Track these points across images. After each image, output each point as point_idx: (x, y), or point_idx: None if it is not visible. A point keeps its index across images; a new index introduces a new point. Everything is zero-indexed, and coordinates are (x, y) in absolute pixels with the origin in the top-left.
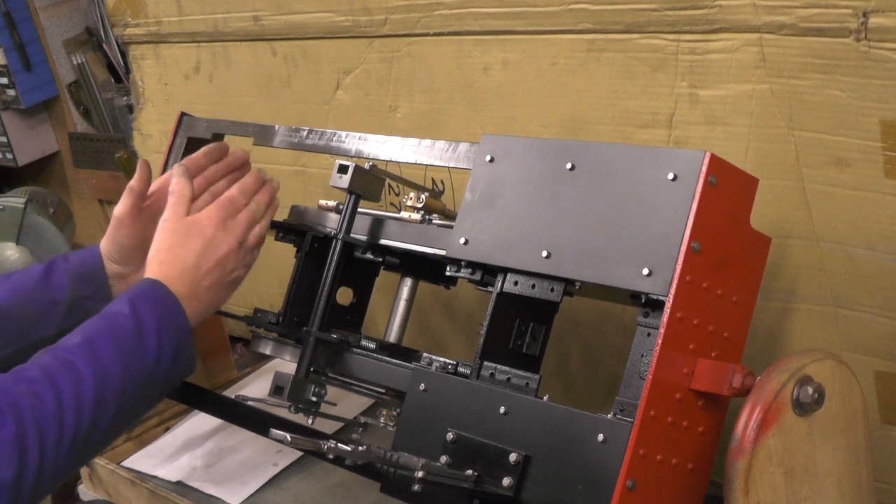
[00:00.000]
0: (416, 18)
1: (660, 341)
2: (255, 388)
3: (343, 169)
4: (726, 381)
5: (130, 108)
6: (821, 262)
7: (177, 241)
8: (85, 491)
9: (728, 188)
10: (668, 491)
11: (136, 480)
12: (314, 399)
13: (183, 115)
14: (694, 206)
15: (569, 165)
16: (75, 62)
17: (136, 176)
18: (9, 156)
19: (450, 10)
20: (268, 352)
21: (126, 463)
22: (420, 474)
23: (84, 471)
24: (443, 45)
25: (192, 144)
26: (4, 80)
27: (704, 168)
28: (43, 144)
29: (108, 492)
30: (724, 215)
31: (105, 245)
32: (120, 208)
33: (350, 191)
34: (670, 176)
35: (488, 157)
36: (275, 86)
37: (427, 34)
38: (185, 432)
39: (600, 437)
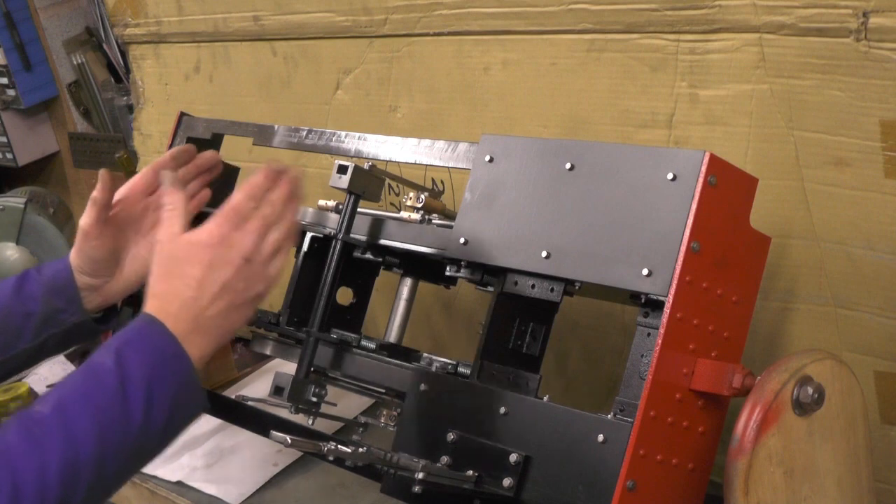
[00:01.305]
0: (416, 18)
1: (660, 341)
2: (255, 388)
3: (342, 169)
4: (726, 381)
5: (130, 108)
6: (821, 262)
7: (173, 268)
8: None
9: (728, 188)
10: (668, 491)
11: (136, 480)
12: (314, 399)
13: (182, 115)
14: (693, 206)
15: (568, 165)
16: (75, 62)
17: (98, 186)
18: (9, 156)
19: (450, 10)
20: (268, 352)
21: None
22: (420, 475)
23: None
24: (443, 46)
25: (192, 144)
26: (4, 80)
27: (704, 168)
28: (43, 144)
29: None
30: (723, 215)
31: (74, 258)
32: (85, 220)
33: (349, 191)
34: (670, 176)
35: (488, 157)
36: (275, 86)
37: (427, 34)
38: (185, 432)
39: (600, 437)
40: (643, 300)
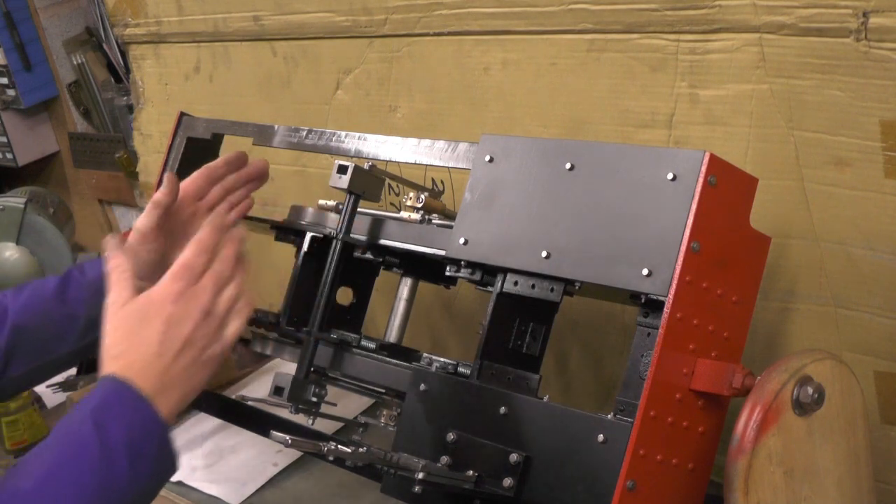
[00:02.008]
0: (415, 18)
1: (660, 341)
2: (255, 388)
3: (342, 169)
4: (726, 381)
5: (130, 108)
6: (821, 262)
7: (132, 327)
8: None
9: (728, 188)
10: (668, 491)
11: None
12: (314, 399)
13: (182, 115)
14: (693, 206)
15: (568, 165)
16: (75, 62)
17: (162, 189)
18: (9, 156)
19: (450, 10)
20: (268, 352)
21: None
22: (420, 475)
23: None
24: (443, 45)
25: (192, 144)
26: (4, 80)
27: (704, 168)
28: (43, 144)
29: None
30: (723, 215)
31: None
32: (144, 222)
33: (349, 191)
34: (670, 176)
35: (488, 157)
36: (275, 86)
37: (427, 34)
38: (185, 432)
39: (600, 437)
40: (643, 300)
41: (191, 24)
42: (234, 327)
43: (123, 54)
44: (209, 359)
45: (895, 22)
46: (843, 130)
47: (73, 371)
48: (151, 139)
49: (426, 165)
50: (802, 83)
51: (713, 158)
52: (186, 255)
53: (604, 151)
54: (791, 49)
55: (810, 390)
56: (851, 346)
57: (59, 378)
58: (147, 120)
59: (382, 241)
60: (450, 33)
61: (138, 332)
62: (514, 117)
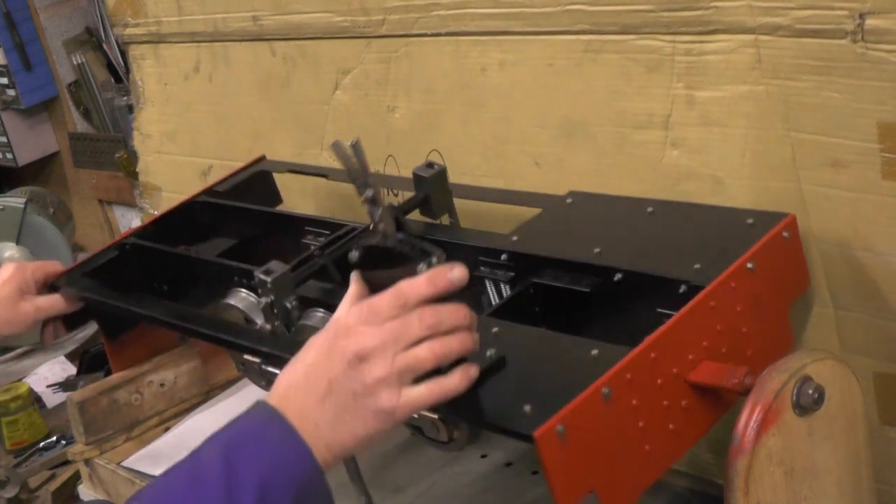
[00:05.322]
0: (413, 19)
1: (683, 312)
2: (255, 387)
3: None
4: (727, 377)
5: (130, 108)
6: (819, 264)
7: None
8: (85, 491)
9: (787, 262)
10: (610, 443)
11: (136, 480)
12: None
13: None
14: (764, 239)
15: (650, 209)
16: (75, 62)
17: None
18: (9, 156)
19: (447, 10)
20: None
21: (126, 463)
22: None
23: (84, 471)
24: (440, 46)
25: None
26: (4, 80)
27: (783, 222)
28: (43, 144)
29: (108, 492)
30: (777, 275)
31: None
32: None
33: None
34: (750, 221)
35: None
36: (274, 86)
37: (425, 35)
38: (185, 432)
39: (594, 351)
40: (682, 290)
41: (190, 24)
42: (421, 393)
43: (123, 54)
44: (368, 412)
45: (892, 23)
46: (841, 132)
47: (73, 371)
48: (151, 139)
49: None
50: (799, 85)
51: (792, 221)
52: (407, 282)
53: (685, 209)
54: (787, 51)
55: (810, 390)
56: (851, 347)
57: (59, 378)
58: (147, 120)
59: None
60: (447, 34)
61: (299, 356)
62: (512, 118)
